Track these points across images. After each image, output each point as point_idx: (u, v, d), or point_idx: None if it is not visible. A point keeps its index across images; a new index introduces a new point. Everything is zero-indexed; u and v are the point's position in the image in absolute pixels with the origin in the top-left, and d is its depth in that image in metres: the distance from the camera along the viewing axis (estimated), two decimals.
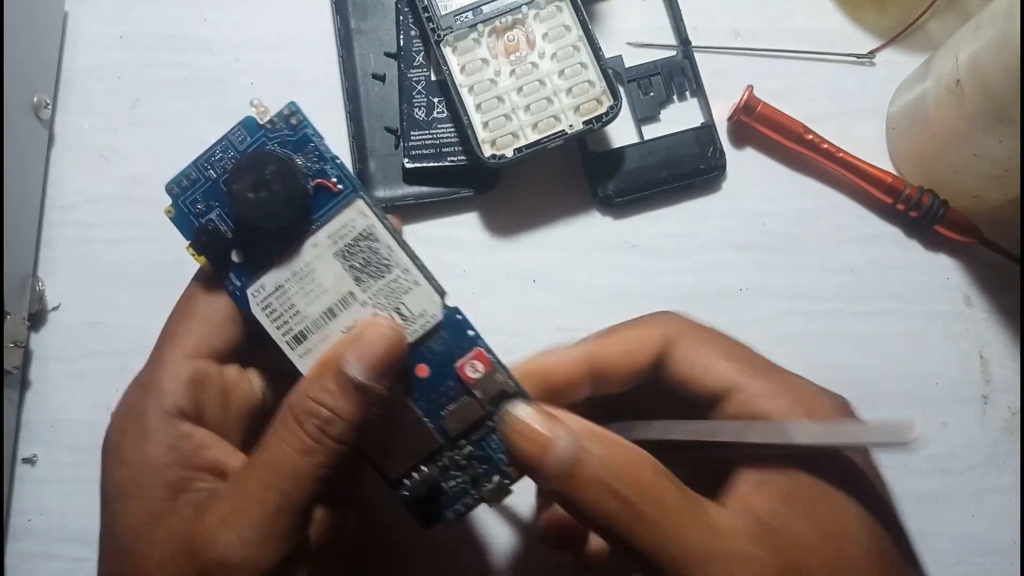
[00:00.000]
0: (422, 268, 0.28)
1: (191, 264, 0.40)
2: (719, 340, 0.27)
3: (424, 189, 0.39)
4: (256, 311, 0.27)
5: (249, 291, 0.27)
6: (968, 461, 0.38)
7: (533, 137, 0.37)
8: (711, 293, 0.39)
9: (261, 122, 0.28)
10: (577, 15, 0.37)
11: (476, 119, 0.37)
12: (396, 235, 0.28)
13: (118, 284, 0.39)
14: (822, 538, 0.22)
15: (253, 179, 0.26)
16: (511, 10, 0.38)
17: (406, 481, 0.27)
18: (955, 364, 0.39)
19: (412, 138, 0.39)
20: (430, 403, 0.27)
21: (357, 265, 0.27)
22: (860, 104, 0.42)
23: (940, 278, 0.40)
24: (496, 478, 0.27)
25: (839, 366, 0.39)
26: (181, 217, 0.28)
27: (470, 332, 0.27)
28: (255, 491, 0.24)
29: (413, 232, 0.40)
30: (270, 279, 0.27)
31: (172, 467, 0.25)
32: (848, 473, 0.24)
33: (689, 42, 0.41)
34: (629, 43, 0.42)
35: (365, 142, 0.40)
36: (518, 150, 0.37)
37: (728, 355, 0.27)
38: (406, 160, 0.39)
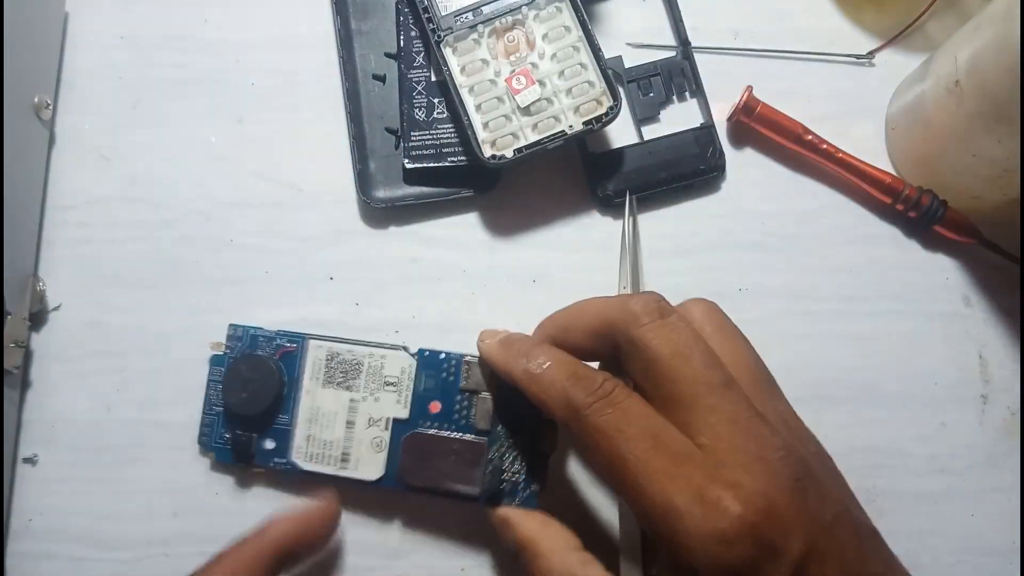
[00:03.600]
0: (379, 344, 0.34)
1: (191, 264, 0.40)
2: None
3: (424, 189, 0.39)
4: (306, 466, 0.34)
5: (294, 458, 0.34)
6: (967, 461, 0.38)
7: (533, 137, 0.37)
8: (710, 293, 0.39)
9: (221, 353, 0.35)
10: (577, 16, 0.38)
11: (476, 119, 0.37)
12: (349, 340, 0.35)
13: (119, 284, 0.39)
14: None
15: (238, 385, 0.34)
16: (511, 11, 0.38)
17: (478, 490, 0.32)
18: (954, 364, 0.39)
19: (412, 138, 0.39)
20: (457, 422, 0.33)
21: (339, 379, 0.34)
22: (859, 104, 0.42)
23: (939, 278, 0.40)
24: (537, 427, 0.32)
25: (838, 366, 0.39)
26: (223, 456, 0.35)
27: (440, 355, 0.34)
28: None
29: (414, 232, 0.40)
30: (299, 437, 0.34)
31: None
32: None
33: (689, 43, 0.41)
34: (629, 44, 0.42)
35: (365, 142, 0.40)
36: (518, 150, 0.37)
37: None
38: (406, 160, 0.39)
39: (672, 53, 0.42)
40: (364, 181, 0.39)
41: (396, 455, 0.33)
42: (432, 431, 0.33)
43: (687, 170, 0.40)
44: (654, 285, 0.39)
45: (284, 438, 0.34)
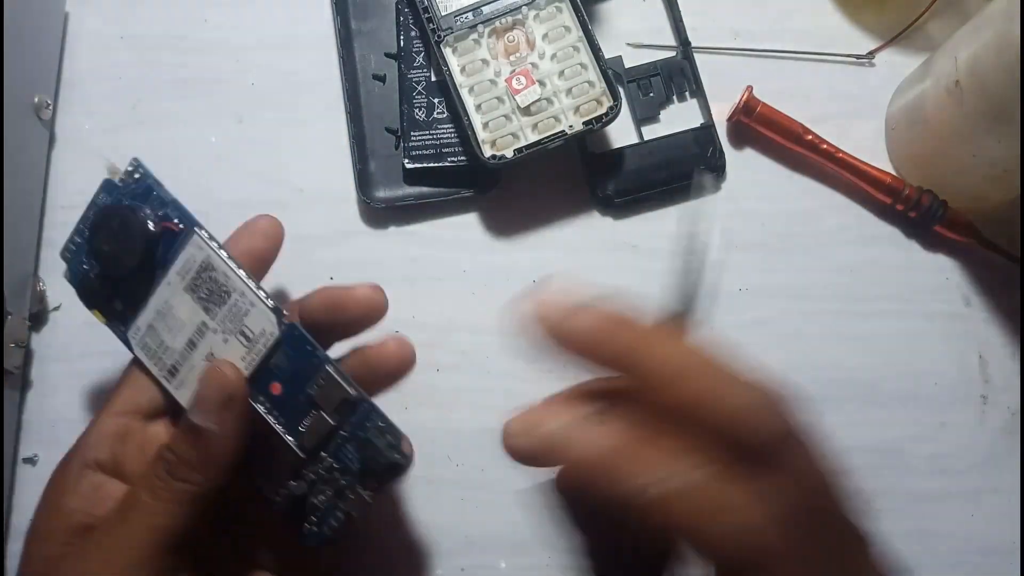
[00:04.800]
0: (257, 290, 0.29)
1: None
2: None
3: (424, 189, 0.39)
4: (138, 351, 0.30)
5: (129, 334, 0.30)
6: (967, 461, 0.38)
7: (533, 137, 0.37)
8: (710, 293, 0.39)
9: (115, 181, 0.31)
10: (577, 16, 0.38)
11: (476, 120, 0.37)
12: (233, 261, 0.29)
13: None
14: None
15: (105, 234, 0.30)
16: (511, 11, 0.38)
17: (276, 498, 0.28)
18: (954, 364, 0.39)
19: (412, 138, 0.39)
20: (288, 419, 0.28)
21: (204, 296, 0.29)
22: (859, 104, 0.42)
23: (939, 278, 0.40)
24: (356, 486, 0.27)
25: (838, 366, 0.39)
26: (73, 278, 0.31)
27: (308, 347, 0.28)
28: (115, 535, 0.26)
29: (414, 232, 0.40)
30: (143, 320, 0.30)
31: (78, 513, 0.27)
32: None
33: (689, 43, 0.41)
34: (629, 44, 0.42)
35: (365, 142, 0.40)
36: (518, 150, 0.37)
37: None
38: (406, 160, 0.39)
39: (672, 53, 0.42)
40: (364, 181, 0.39)
41: None
42: (262, 411, 0.28)
43: (687, 170, 0.40)
44: (653, 285, 0.39)
45: (131, 307, 0.30)
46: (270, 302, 0.28)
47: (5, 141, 0.35)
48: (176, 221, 0.30)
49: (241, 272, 0.29)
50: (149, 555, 0.26)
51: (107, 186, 0.31)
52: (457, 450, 0.37)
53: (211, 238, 0.29)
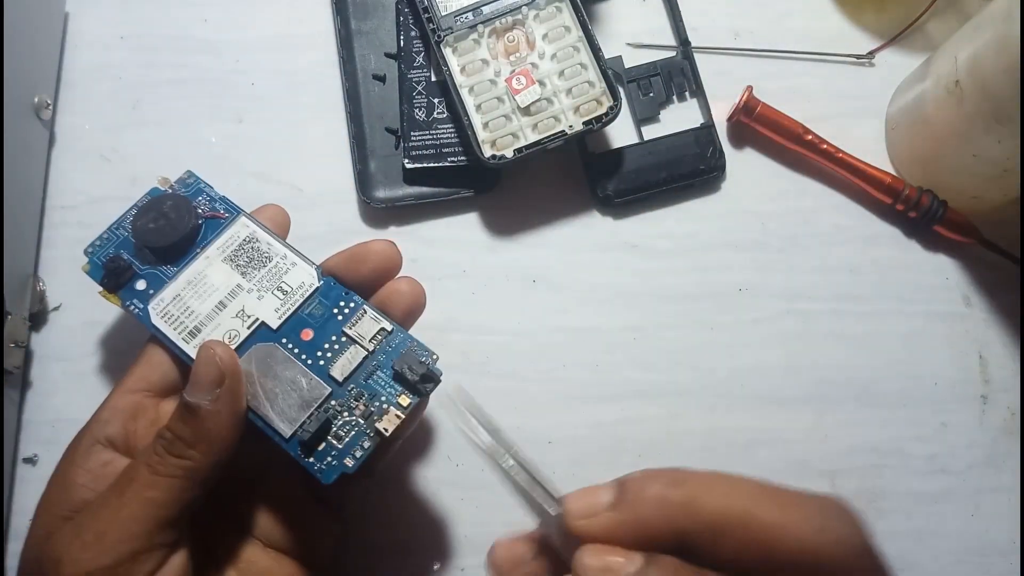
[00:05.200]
0: (299, 253, 0.32)
1: None
2: None
3: (424, 189, 0.39)
4: (156, 321, 0.31)
5: (150, 306, 0.31)
6: (967, 461, 0.38)
7: (533, 137, 0.37)
8: (710, 293, 0.40)
9: (163, 188, 0.34)
10: (577, 16, 0.38)
11: (476, 119, 0.37)
12: (277, 236, 0.33)
13: None
14: None
15: (154, 214, 0.32)
16: (511, 11, 0.38)
17: (298, 430, 0.29)
18: (954, 364, 0.39)
19: (412, 138, 0.39)
20: (316, 360, 0.30)
21: (242, 263, 0.32)
22: (859, 105, 0.42)
23: (939, 278, 0.40)
24: (386, 404, 0.29)
25: (838, 366, 0.39)
26: (95, 270, 0.32)
27: (344, 292, 0.31)
28: (111, 507, 0.26)
29: (414, 232, 0.40)
30: (169, 292, 0.32)
31: (84, 489, 0.28)
32: None
33: (689, 43, 0.41)
34: (629, 44, 0.42)
35: (365, 142, 0.40)
36: (518, 150, 0.37)
37: None
38: (406, 160, 0.39)
39: (672, 53, 0.42)
40: (364, 181, 0.39)
41: (240, 355, 0.30)
42: (288, 354, 0.30)
43: (687, 170, 0.40)
44: (654, 285, 0.39)
45: (157, 286, 0.32)
46: (312, 261, 0.32)
47: (5, 141, 0.35)
48: (223, 211, 0.33)
49: (283, 242, 0.32)
50: (145, 529, 0.26)
51: (154, 192, 0.33)
52: (457, 450, 0.37)
53: (255, 220, 0.33)
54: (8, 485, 0.36)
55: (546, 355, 0.38)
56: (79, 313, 0.38)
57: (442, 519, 0.36)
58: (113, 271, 0.32)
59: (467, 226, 0.40)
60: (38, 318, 0.38)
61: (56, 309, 0.38)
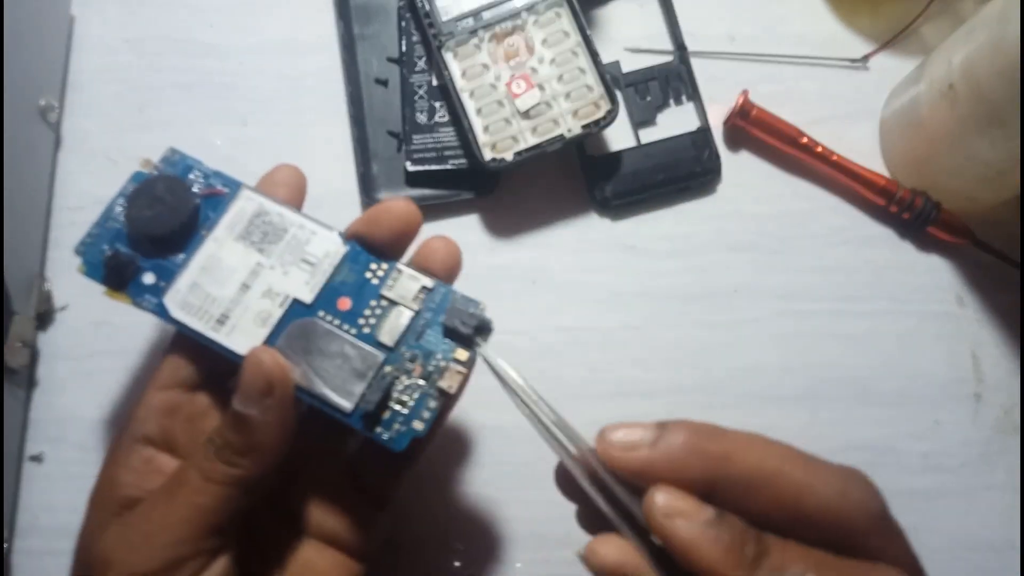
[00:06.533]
0: (315, 220, 0.30)
1: None
2: None
3: (426, 191, 0.40)
4: (177, 314, 0.29)
5: (166, 300, 0.29)
6: (961, 459, 0.39)
7: (532, 141, 0.38)
8: (706, 293, 0.40)
9: (146, 171, 0.31)
10: (576, 21, 0.38)
11: (477, 123, 0.38)
12: (287, 205, 0.30)
13: None
14: None
15: (148, 200, 0.29)
16: (511, 16, 0.38)
17: (360, 402, 0.28)
18: (948, 363, 0.40)
19: (414, 141, 0.40)
20: (360, 328, 0.29)
21: (257, 240, 0.30)
22: (854, 108, 0.42)
23: (933, 278, 0.41)
24: (443, 362, 0.28)
25: (833, 366, 0.39)
26: (93, 269, 0.30)
27: (375, 254, 0.30)
28: (160, 510, 0.26)
29: None
30: (184, 281, 0.29)
31: (128, 487, 0.28)
32: None
33: (685, 47, 0.42)
34: (627, 48, 0.42)
35: (368, 145, 0.40)
36: (518, 153, 0.37)
37: None
38: (408, 163, 0.40)
39: (669, 58, 0.42)
40: (367, 183, 0.40)
41: (278, 338, 0.29)
42: (329, 326, 0.28)
43: (683, 173, 0.40)
44: (652, 285, 0.40)
45: (167, 278, 0.29)
46: (331, 224, 0.30)
47: (12, 143, 0.35)
48: (220, 186, 0.30)
49: (293, 209, 0.30)
50: (192, 534, 0.26)
51: (138, 177, 0.31)
52: (457, 450, 0.37)
53: (258, 191, 0.30)
54: (14, 483, 0.36)
55: (545, 354, 0.39)
56: (85, 312, 0.39)
57: (442, 519, 0.37)
58: (115, 268, 0.30)
59: (467, 227, 0.40)
60: (45, 317, 0.38)
61: (63, 309, 0.39)
